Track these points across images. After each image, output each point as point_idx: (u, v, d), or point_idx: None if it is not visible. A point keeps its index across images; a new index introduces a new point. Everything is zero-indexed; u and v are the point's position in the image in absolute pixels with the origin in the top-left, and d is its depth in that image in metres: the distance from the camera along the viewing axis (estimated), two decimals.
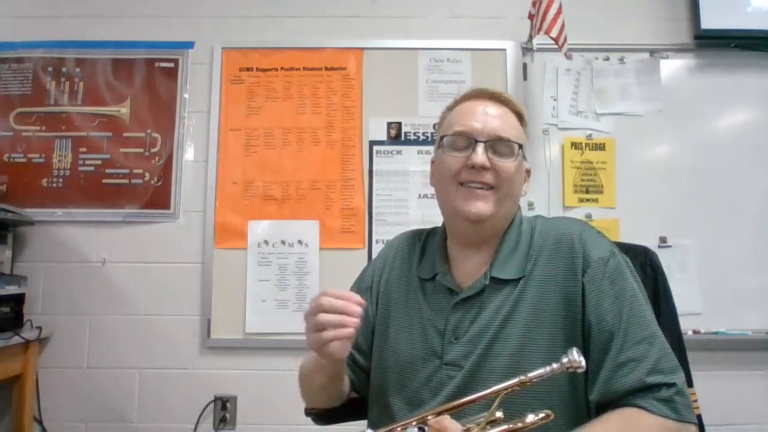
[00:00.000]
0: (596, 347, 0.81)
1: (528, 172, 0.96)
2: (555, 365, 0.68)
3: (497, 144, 0.88)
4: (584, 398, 0.82)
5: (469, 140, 0.89)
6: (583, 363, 0.67)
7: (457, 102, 0.97)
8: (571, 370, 0.68)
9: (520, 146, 0.90)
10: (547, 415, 0.69)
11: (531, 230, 0.92)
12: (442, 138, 0.93)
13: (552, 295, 0.85)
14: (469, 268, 0.92)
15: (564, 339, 0.83)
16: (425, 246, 1.02)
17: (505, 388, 0.69)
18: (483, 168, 0.86)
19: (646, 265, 1.02)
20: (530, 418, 0.69)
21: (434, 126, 1.86)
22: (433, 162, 0.99)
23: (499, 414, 0.70)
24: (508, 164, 0.88)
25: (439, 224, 1.01)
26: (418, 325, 0.92)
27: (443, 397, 0.85)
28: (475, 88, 0.96)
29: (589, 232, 0.89)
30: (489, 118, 0.90)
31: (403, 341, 0.93)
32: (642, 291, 0.86)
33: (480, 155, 0.87)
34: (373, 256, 1.90)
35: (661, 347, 0.80)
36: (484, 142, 0.88)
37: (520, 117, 0.94)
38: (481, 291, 0.88)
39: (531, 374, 0.69)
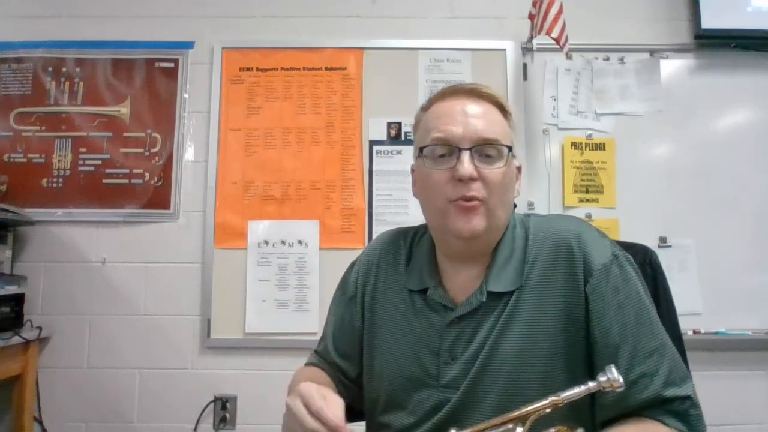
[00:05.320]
0: (603, 362, 0.74)
1: (519, 168, 0.88)
2: (591, 384, 0.65)
3: (483, 148, 0.80)
4: (588, 409, 0.79)
5: (451, 148, 0.80)
6: (622, 382, 0.64)
7: (432, 102, 0.88)
8: (608, 389, 0.64)
9: (510, 148, 0.82)
10: None
11: (525, 233, 0.85)
12: (420, 148, 0.84)
13: (550, 305, 0.79)
14: (462, 282, 0.85)
15: (564, 352, 0.78)
16: (411, 250, 0.94)
17: (537, 409, 0.66)
18: (471, 179, 0.79)
19: (645, 264, 1.01)
20: None
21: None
22: (413, 170, 0.91)
23: (519, 430, 0.66)
24: (496, 171, 0.80)
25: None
26: (409, 343, 0.86)
27: (439, 418, 0.81)
28: (450, 85, 0.88)
29: (587, 234, 0.82)
30: (470, 119, 0.81)
31: (394, 359, 0.87)
32: (646, 291, 0.81)
33: (466, 166, 0.78)
34: None
35: (671, 356, 0.77)
36: (469, 149, 0.79)
37: (503, 110, 0.86)
38: (478, 307, 0.82)
39: (564, 394, 0.65)
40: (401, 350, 0.87)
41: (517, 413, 0.67)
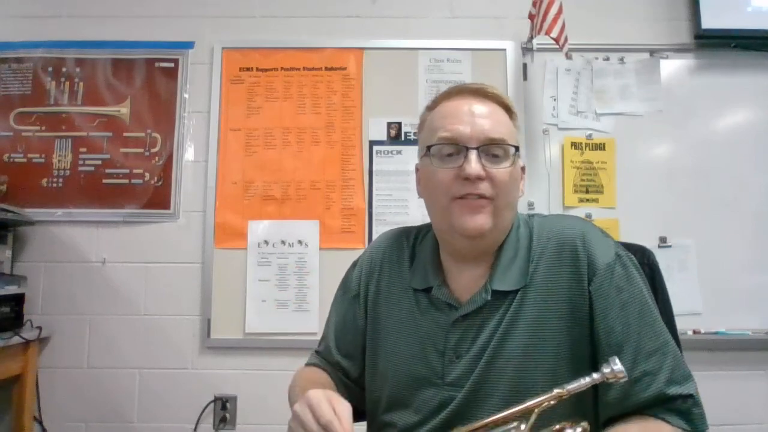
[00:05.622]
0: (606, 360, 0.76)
1: (523, 169, 0.88)
2: (595, 375, 0.65)
3: (490, 148, 0.81)
4: (591, 408, 0.79)
5: (459, 147, 0.81)
6: (625, 373, 0.65)
7: (438, 101, 0.88)
8: (612, 380, 0.65)
9: (516, 149, 0.83)
10: (584, 430, 0.67)
11: (529, 233, 0.86)
12: (427, 147, 0.84)
13: (555, 304, 0.80)
14: (466, 281, 0.85)
15: (569, 351, 0.79)
16: (414, 250, 0.94)
17: (541, 402, 0.66)
18: (478, 178, 0.79)
19: (643, 264, 1.00)
20: None
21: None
22: (417, 170, 0.91)
23: (523, 427, 0.67)
24: (503, 170, 0.80)
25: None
26: (415, 342, 0.86)
27: (444, 416, 0.81)
28: (456, 85, 0.88)
29: (591, 234, 0.83)
30: (477, 119, 0.81)
31: (399, 357, 0.87)
32: (649, 291, 0.82)
33: (473, 165, 0.79)
34: None
35: (673, 355, 0.78)
36: (476, 148, 0.80)
37: (508, 111, 0.86)
38: (483, 306, 0.82)
39: (569, 386, 0.66)
40: (407, 349, 0.87)
41: (521, 407, 0.67)
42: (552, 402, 0.66)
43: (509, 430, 0.67)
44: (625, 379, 0.66)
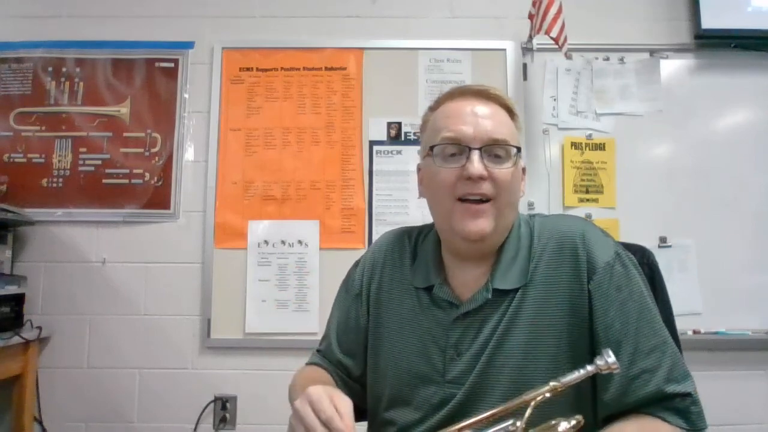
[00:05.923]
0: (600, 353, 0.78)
1: (523, 170, 0.89)
2: (589, 368, 0.66)
3: (493, 148, 0.82)
4: (590, 406, 0.80)
5: (462, 148, 0.82)
6: (618, 364, 0.66)
7: (440, 102, 0.89)
8: (606, 372, 0.66)
9: (518, 149, 0.84)
10: (578, 422, 0.67)
11: (530, 233, 0.87)
12: (430, 147, 0.85)
13: (555, 302, 0.81)
14: (467, 279, 0.86)
15: (569, 348, 0.80)
16: (416, 249, 0.95)
17: (537, 395, 0.67)
18: (480, 178, 0.80)
19: (643, 264, 1.00)
20: (563, 426, 0.67)
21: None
22: (419, 169, 0.92)
23: (519, 424, 0.67)
24: (505, 171, 0.82)
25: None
26: (416, 340, 0.87)
27: (445, 413, 0.82)
28: (459, 86, 0.89)
29: (591, 233, 0.84)
30: (479, 119, 0.82)
31: (400, 355, 0.88)
32: (648, 290, 0.83)
33: (476, 165, 0.80)
34: None
35: (672, 354, 0.78)
36: (479, 148, 0.81)
37: (510, 112, 0.87)
38: (483, 304, 0.83)
39: (564, 379, 0.66)
40: (408, 346, 0.88)
41: (518, 400, 0.68)
42: (548, 395, 0.67)
43: (506, 427, 0.68)
44: (618, 371, 0.67)
